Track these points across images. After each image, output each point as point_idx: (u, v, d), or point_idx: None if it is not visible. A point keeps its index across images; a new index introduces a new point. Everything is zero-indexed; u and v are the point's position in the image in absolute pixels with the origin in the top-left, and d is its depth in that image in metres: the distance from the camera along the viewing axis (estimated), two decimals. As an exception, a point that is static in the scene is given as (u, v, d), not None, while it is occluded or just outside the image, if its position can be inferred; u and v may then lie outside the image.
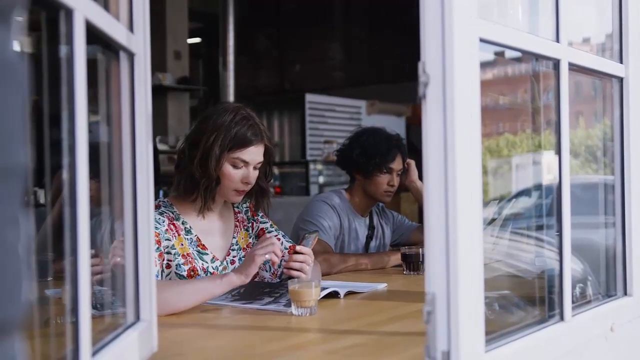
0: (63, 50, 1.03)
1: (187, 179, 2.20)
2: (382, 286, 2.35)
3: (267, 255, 1.98)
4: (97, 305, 1.37)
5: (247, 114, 2.24)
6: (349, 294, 2.18)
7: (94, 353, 1.11)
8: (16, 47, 0.59)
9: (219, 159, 2.16)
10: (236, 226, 2.37)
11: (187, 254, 2.18)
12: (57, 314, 1.42)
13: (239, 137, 2.17)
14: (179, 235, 2.19)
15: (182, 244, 2.18)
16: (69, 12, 1.00)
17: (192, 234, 2.23)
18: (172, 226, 2.18)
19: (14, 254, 0.58)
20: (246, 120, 2.21)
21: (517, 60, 1.74)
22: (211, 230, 2.29)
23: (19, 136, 0.58)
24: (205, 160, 2.16)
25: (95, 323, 1.09)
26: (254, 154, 2.21)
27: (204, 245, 2.24)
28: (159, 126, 7.17)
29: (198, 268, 2.19)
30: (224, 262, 2.28)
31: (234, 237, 2.35)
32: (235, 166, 2.19)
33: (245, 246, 2.36)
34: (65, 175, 1.02)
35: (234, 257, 2.32)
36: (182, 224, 2.22)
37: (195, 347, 1.62)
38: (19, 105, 0.58)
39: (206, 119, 2.22)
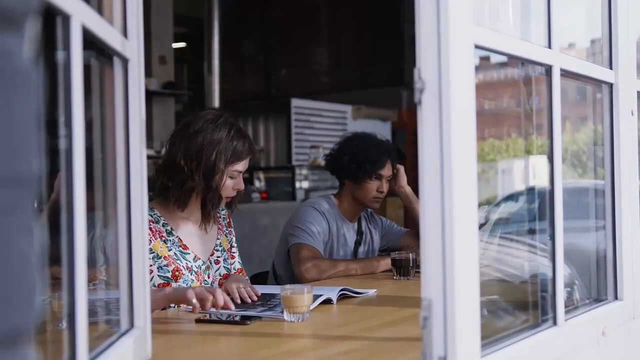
0: (59, 55, 1.02)
1: (187, 192, 2.26)
2: (372, 292, 2.35)
3: (194, 301, 1.89)
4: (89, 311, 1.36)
5: (238, 126, 2.35)
6: (342, 297, 2.19)
7: (90, 361, 1.10)
8: (29, 54, 0.59)
9: (223, 174, 2.26)
10: (219, 228, 2.46)
11: (169, 255, 2.24)
12: (49, 321, 1.41)
13: (238, 151, 2.29)
14: (156, 239, 2.24)
15: (161, 247, 2.24)
16: (66, 18, 1.00)
17: (173, 235, 2.29)
18: (149, 230, 2.21)
19: (27, 262, 0.57)
20: (240, 134, 2.32)
21: (502, 65, 1.75)
22: (194, 232, 2.36)
23: (32, 144, 0.58)
24: (209, 176, 2.25)
25: (89, 330, 1.08)
26: (247, 163, 2.35)
27: (185, 245, 2.30)
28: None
29: (182, 267, 2.25)
30: (207, 262, 2.36)
31: (217, 239, 2.43)
32: (231, 177, 2.31)
33: (227, 249, 2.46)
34: (62, 180, 1.02)
35: (218, 257, 2.41)
36: (163, 226, 2.29)
37: (189, 354, 1.62)
38: (32, 113, 0.58)
39: (199, 132, 2.26)
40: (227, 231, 2.50)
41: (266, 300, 2.13)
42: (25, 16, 0.58)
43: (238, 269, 2.47)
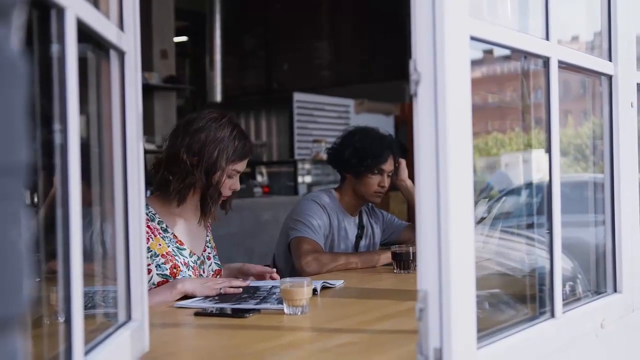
0: (54, 48, 1.02)
1: (187, 187, 2.29)
2: (340, 282, 2.40)
3: (221, 290, 2.14)
4: (87, 304, 1.37)
5: (240, 127, 2.39)
6: (325, 288, 2.24)
7: (86, 352, 1.10)
8: (16, 44, 0.59)
9: (223, 172, 2.29)
10: (208, 227, 2.50)
11: (167, 252, 2.27)
12: (46, 314, 1.41)
13: (239, 150, 2.33)
14: (155, 236, 2.27)
15: (159, 244, 2.27)
16: (61, 11, 1.00)
17: (169, 232, 2.32)
18: (146, 228, 2.23)
19: (16, 251, 0.58)
20: (242, 135, 2.36)
21: (506, 58, 1.75)
22: (187, 229, 2.39)
23: (21, 134, 0.59)
24: (210, 172, 2.28)
25: (86, 323, 1.09)
26: (245, 164, 2.39)
27: (181, 241, 2.34)
28: (146, 126, 7.08)
29: (179, 264, 2.28)
30: (202, 257, 2.41)
31: (207, 236, 2.48)
32: (229, 176, 2.34)
33: (214, 246, 2.51)
34: (57, 175, 1.02)
35: (209, 253, 2.46)
36: (158, 223, 2.31)
37: (187, 346, 1.62)
38: (20, 104, 0.59)
39: (202, 129, 2.29)
40: (211, 229, 2.55)
41: (252, 293, 2.14)
42: (12, 7, 0.58)
43: (216, 270, 2.48)
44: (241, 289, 2.17)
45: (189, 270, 2.30)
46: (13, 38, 0.58)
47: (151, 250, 2.23)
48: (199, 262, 2.38)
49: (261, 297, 2.07)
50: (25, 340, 0.60)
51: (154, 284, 2.20)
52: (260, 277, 2.43)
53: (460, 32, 1.20)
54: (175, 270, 2.25)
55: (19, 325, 0.59)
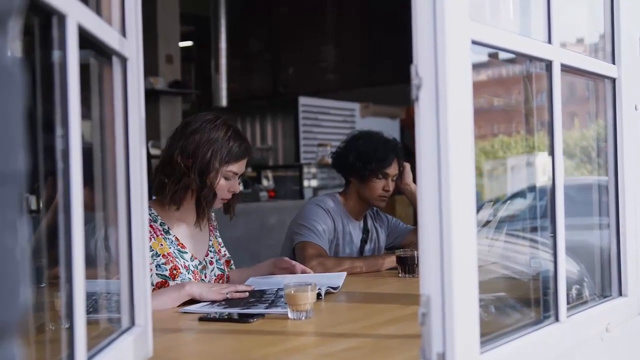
0: (55, 55, 1.03)
1: (183, 189, 2.29)
2: (342, 275, 2.44)
3: (227, 295, 2.13)
4: (90, 309, 1.37)
5: (236, 128, 2.38)
6: (328, 293, 2.23)
7: (89, 358, 1.10)
8: (13, 52, 0.60)
9: (217, 173, 2.29)
10: (210, 231, 2.50)
11: (168, 253, 2.28)
12: (51, 320, 1.42)
13: (234, 152, 2.32)
14: (157, 236, 2.28)
15: (161, 245, 2.28)
16: (62, 18, 1.00)
17: (171, 234, 2.33)
18: (149, 228, 2.24)
19: (12, 259, 0.58)
20: (238, 135, 2.35)
21: (511, 61, 1.75)
22: (189, 233, 2.39)
23: (18, 141, 0.59)
24: (204, 173, 2.28)
25: (89, 328, 1.09)
26: (243, 166, 2.37)
27: (182, 244, 2.34)
28: (151, 131, 7.14)
29: (180, 266, 2.29)
30: (203, 262, 2.40)
31: (210, 240, 2.48)
32: (226, 178, 2.33)
33: (217, 250, 2.50)
34: (59, 181, 1.02)
35: (211, 258, 2.45)
36: (161, 225, 2.32)
37: (190, 352, 1.62)
38: (17, 111, 0.59)
39: (196, 130, 2.30)
40: (216, 233, 2.55)
41: (259, 297, 2.14)
42: (8, 15, 0.58)
43: (219, 274, 2.48)
44: (247, 294, 2.17)
45: (188, 273, 2.30)
46: (10, 46, 0.59)
47: (152, 250, 2.24)
48: (200, 266, 2.37)
49: (269, 301, 2.06)
50: (23, 346, 0.61)
51: (152, 283, 2.21)
52: (290, 271, 2.47)
53: (461, 35, 1.20)
54: (175, 272, 2.26)
55: (16, 331, 0.59)
